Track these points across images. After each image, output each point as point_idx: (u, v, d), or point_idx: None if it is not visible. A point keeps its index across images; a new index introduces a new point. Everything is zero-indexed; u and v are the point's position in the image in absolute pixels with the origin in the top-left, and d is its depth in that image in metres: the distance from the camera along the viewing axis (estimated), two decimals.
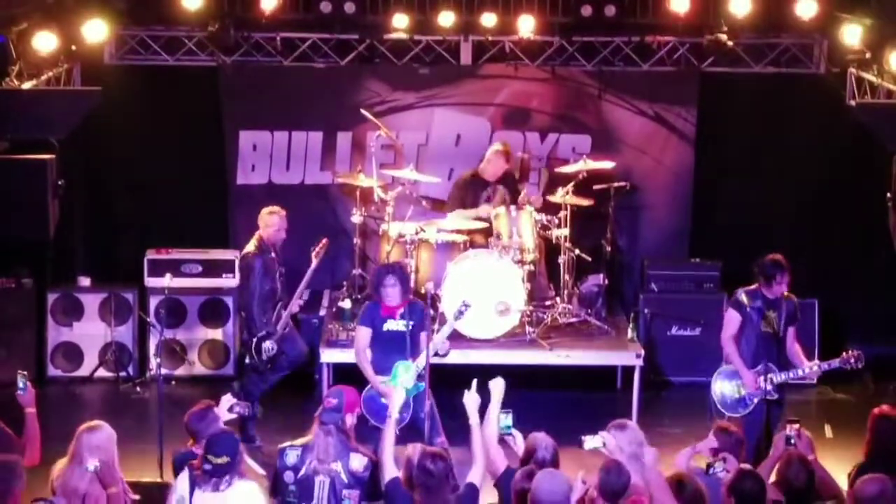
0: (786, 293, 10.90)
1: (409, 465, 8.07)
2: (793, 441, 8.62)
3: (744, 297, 10.93)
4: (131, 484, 8.52)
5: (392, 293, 10.81)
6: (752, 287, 10.96)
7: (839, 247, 15.31)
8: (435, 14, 14.61)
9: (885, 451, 8.60)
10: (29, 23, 12.05)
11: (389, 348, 10.87)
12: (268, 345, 12.40)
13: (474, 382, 8.58)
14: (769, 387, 10.60)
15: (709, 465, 8.36)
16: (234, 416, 8.61)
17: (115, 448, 8.31)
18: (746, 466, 8.14)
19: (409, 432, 10.15)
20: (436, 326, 11.64)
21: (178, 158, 15.19)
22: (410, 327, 10.77)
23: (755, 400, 10.72)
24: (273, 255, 12.56)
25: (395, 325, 10.84)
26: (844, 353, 10.52)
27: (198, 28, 14.66)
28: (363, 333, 10.99)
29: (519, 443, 8.64)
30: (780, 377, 10.69)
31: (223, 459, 7.92)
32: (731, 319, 10.96)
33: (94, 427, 8.31)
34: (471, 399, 8.46)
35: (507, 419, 8.62)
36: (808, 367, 10.66)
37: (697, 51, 14.96)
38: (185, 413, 8.74)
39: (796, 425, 8.76)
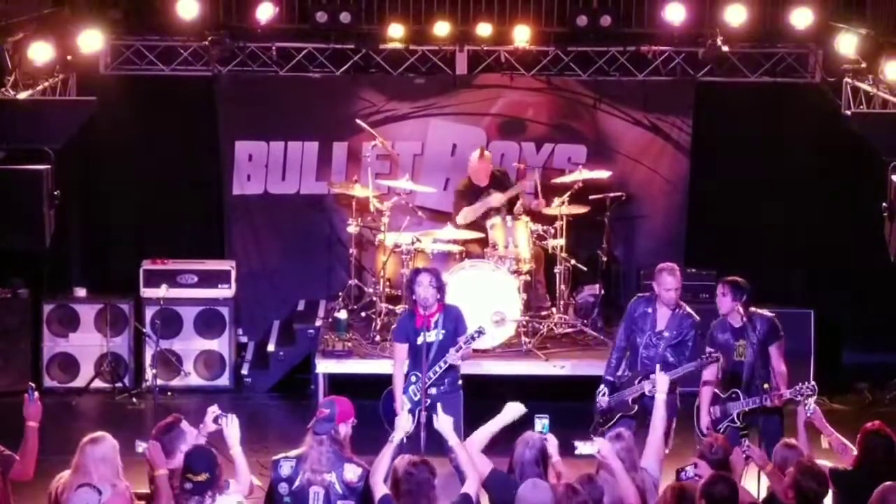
0: (755, 312, 10.74)
1: (395, 474, 8.11)
2: (746, 454, 8.68)
3: (715, 332, 10.87)
4: None
5: (428, 293, 10.62)
6: (719, 318, 10.89)
7: (835, 256, 15.32)
8: (430, 24, 14.64)
9: (873, 467, 8.60)
10: (25, 33, 12.04)
11: (416, 359, 10.73)
12: (601, 391, 11.13)
13: (439, 407, 8.68)
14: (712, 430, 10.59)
15: (679, 470, 8.42)
16: (217, 427, 8.58)
17: (118, 458, 8.29)
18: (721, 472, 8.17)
19: (414, 442, 10.14)
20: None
21: (173, 168, 15.19)
22: (442, 336, 10.65)
23: (722, 426, 10.71)
24: (651, 309, 10.99)
25: (429, 336, 10.68)
26: (798, 384, 10.40)
27: (193, 38, 14.67)
28: (398, 350, 10.88)
29: (552, 448, 8.60)
30: (740, 406, 10.62)
31: (203, 477, 7.90)
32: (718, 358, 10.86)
33: (97, 439, 8.27)
34: (443, 422, 8.54)
35: (545, 424, 8.60)
36: (766, 397, 10.55)
37: (693, 60, 14.97)
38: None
39: (746, 440, 8.86)
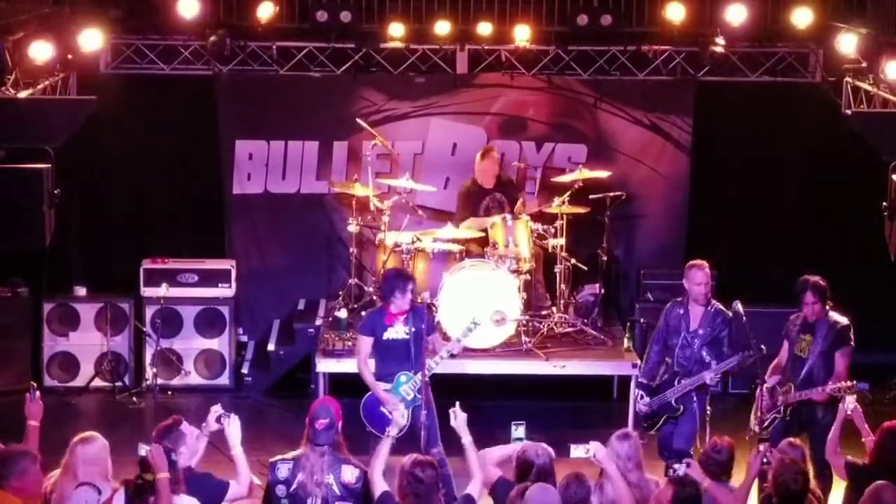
0: (830, 315, 10.71)
1: (402, 474, 8.11)
2: (766, 460, 8.68)
3: (790, 322, 10.91)
4: None
5: (406, 300, 10.78)
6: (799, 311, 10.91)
7: (836, 255, 15.30)
8: (431, 23, 14.64)
9: (887, 464, 8.64)
10: (25, 32, 12.03)
11: (389, 356, 10.89)
12: (638, 395, 11.31)
13: (457, 405, 8.67)
14: (760, 422, 10.65)
15: (668, 467, 8.45)
16: (220, 426, 8.59)
17: (108, 458, 8.30)
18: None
19: (407, 442, 10.15)
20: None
21: (174, 167, 15.20)
22: (412, 333, 10.72)
23: (768, 417, 10.70)
24: (684, 310, 11.09)
25: (395, 333, 10.82)
26: (841, 382, 10.37)
27: (194, 37, 14.67)
28: (364, 342, 10.99)
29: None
30: (786, 400, 10.62)
31: (149, 476, 7.90)
32: (783, 346, 10.95)
33: (87, 439, 8.29)
34: (459, 419, 8.54)
35: (520, 431, 8.65)
36: (813, 391, 10.55)
37: (693, 60, 14.97)
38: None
39: (765, 445, 8.90)
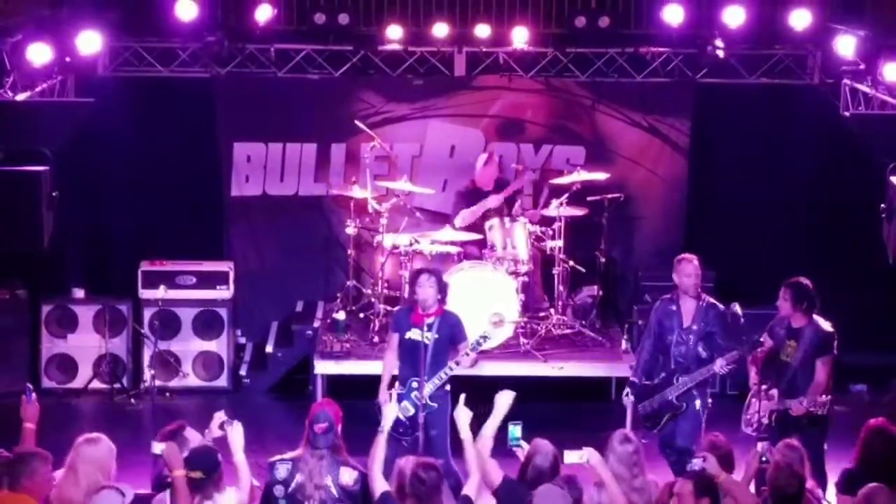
0: (815, 321, 10.67)
1: (401, 476, 8.10)
2: (765, 458, 8.66)
3: (774, 325, 10.86)
4: None
5: (427, 293, 10.68)
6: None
7: (833, 257, 15.31)
8: (429, 25, 14.65)
9: (874, 464, 8.64)
10: (23, 34, 12.04)
11: (406, 358, 10.80)
12: (625, 392, 11.31)
13: (462, 398, 8.63)
14: (754, 428, 10.61)
15: (685, 464, 8.49)
16: (223, 433, 8.59)
17: (113, 461, 8.30)
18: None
19: (412, 450, 10.13)
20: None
21: (172, 170, 15.19)
22: (434, 340, 10.65)
23: (756, 419, 10.67)
24: (675, 307, 11.07)
25: (417, 334, 10.68)
26: (819, 397, 10.37)
27: (192, 40, 14.66)
28: (391, 338, 11.01)
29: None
30: (769, 406, 10.59)
31: (196, 474, 7.92)
32: (764, 343, 10.89)
33: (93, 439, 8.29)
34: (462, 414, 8.53)
35: (517, 430, 8.64)
36: (793, 403, 10.52)
37: (691, 62, 14.97)
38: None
39: (765, 443, 8.89)
